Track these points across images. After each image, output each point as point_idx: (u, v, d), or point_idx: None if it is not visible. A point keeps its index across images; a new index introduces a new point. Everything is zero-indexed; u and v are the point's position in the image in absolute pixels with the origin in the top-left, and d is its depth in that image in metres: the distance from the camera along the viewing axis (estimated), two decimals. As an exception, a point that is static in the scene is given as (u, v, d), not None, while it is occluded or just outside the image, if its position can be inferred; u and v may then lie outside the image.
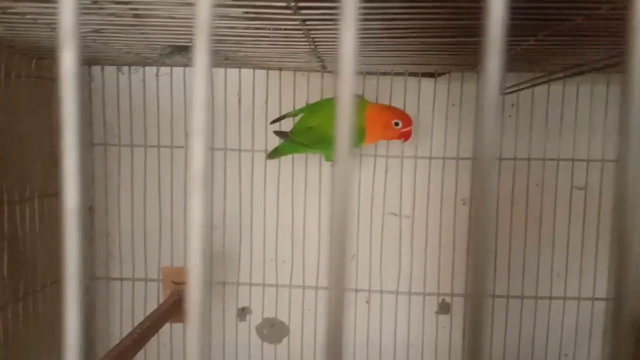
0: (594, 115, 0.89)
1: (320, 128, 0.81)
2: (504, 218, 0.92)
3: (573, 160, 0.90)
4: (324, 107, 0.84)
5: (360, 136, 0.80)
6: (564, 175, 0.90)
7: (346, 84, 0.17)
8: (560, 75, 0.51)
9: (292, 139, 0.84)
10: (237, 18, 0.50)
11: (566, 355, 0.93)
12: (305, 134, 0.82)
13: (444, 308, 0.97)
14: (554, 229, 0.91)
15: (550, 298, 0.92)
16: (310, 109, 0.86)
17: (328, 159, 0.87)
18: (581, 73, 0.47)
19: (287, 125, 0.88)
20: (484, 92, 0.17)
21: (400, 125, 0.79)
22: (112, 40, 0.63)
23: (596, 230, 0.90)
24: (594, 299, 0.91)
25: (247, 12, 0.48)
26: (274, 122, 0.88)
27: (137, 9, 0.48)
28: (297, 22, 0.50)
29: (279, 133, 0.86)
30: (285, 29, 0.54)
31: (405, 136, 0.81)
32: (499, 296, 0.92)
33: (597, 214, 0.89)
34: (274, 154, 0.89)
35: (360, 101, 0.81)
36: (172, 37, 0.60)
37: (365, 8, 0.45)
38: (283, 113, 0.89)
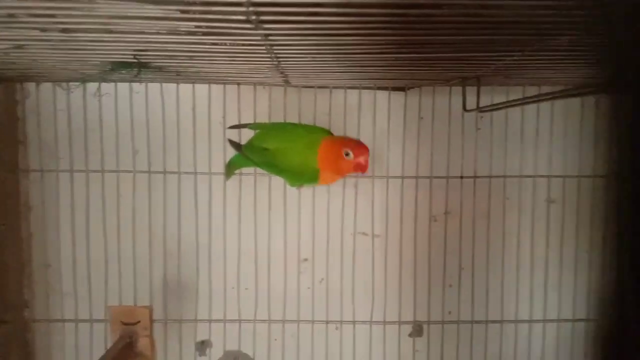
0: (569, 130, 0.86)
1: (275, 154, 0.74)
2: (481, 236, 0.87)
3: (549, 176, 0.86)
4: (285, 132, 0.76)
5: (312, 177, 0.73)
6: (540, 192, 0.87)
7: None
8: (548, 96, 0.47)
9: (244, 153, 0.77)
10: (189, 33, 0.42)
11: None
12: (258, 153, 0.76)
13: (418, 330, 0.91)
14: (531, 246, 0.87)
15: (530, 321, 0.88)
16: (271, 128, 0.78)
17: (291, 184, 0.80)
18: (573, 95, 0.43)
19: (247, 135, 0.80)
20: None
21: (351, 155, 0.71)
22: (40, 57, 0.54)
23: (575, 247, 0.86)
24: (574, 320, 0.88)
25: (199, 27, 0.40)
26: (233, 127, 0.81)
27: (64, 23, 0.39)
28: (258, 38, 0.43)
29: (233, 143, 0.79)
30: (245, 45, 0.47)
31: (361, 168, 0.73)
32: (478, 321, 0.88)
33: (575, 229, 0.86)
34: (229, 169, 0.82)
35: (314, 140, 0.74)
36: (111, 53, 0.51)
37: (342, 22, 0.38)
38: (241, 129, 0.82)
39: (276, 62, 0.55)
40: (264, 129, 0.78)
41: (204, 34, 0.42)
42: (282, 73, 0.64)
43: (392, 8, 0.33)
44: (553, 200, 0.88)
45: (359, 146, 0.72)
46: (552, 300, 0.88)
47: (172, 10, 0.35)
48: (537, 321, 0.88)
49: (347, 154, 0.71)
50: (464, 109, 0.75)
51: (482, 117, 0.86)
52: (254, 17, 0.37)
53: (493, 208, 0.87)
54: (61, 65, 0.60)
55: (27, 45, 0.48)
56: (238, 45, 0.47)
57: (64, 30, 0.42)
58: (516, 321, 0.88)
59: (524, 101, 0.57)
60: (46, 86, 0.83)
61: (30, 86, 0.84)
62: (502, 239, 0.88)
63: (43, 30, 0.43)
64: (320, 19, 0.38)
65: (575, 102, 0.84)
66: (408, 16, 0.35)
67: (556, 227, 0.87)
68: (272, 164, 0.75)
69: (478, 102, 0.68)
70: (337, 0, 0.34)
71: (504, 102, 0.59)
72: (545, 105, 0.85)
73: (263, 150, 0.74)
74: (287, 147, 0.74)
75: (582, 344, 0.89)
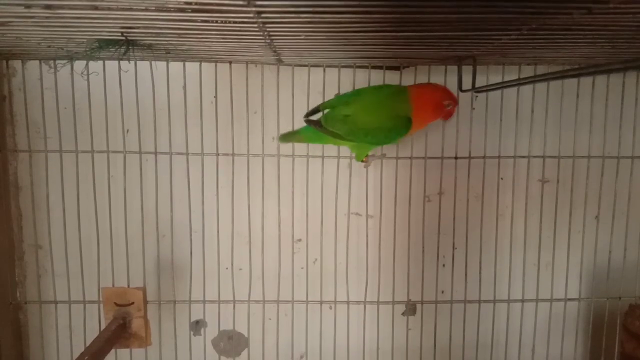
0: (565, 112, 0.85)
1: (358, 115, 0.73)
2: (474, 216, 0.87)
3: (544, 157, 0.86)
4: (360, 96, 0.75)
5: (406, 127, 0.73)
6: (534, 173, 0.87)
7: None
8: (556, 75, 0.46)
9: (325, 128, 0.75)
10: (178, 10, 0.41)
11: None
12: (340, 122, 0.74)
13: (411, 309, 0.92)
14: (525, 225, 0.88)
15: (523, 301, 0.89)
16: (343, 100, 0.76)
17: (358, 158, 0.79)
18: (581, 75, 0.42)
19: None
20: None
21: (451, 105, 0.74)
22: (25, 34, 0.52)
23: (568, 227, 0.87)
24: (566, 299, 0.89)
25: (189, 3, 0.39)
26: (308, 115, 0.79)
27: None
28: (251, 15, 0.42)
29: (310, 122, 0.77)
30: (237, 22, 0.45)
31: (450, 115, 0.76)
32: (471, 301, 0.89)
33: (569, 210, 0.86)
34: (289, 137, 0.80)
35: (399, 90, 0.73)
36: (97, 30, 0.50)
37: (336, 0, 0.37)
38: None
39: (269, 40, 0.54)
40: (335, 103, 0.76)
41: (194, 10, 0.41)
42: (274, 51, 0.63)
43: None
44: (547, 180, 0.88)
45: (454, 96, 0.74)
46: (545, 280, 0.89)
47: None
48: (530, 300, 0.89)
49: (448, 105, 0.73)
50: (460, 89, 0.74)
51: (477, 97, 0.86)
52: (245, -6, 0.36)
53: (487, 188, 0.87)
54: (46, 43, 0.58)
55: (11, 22, 0.47)
56: (229, 22, 0.45)
57: (47, 7, 0.40)
58: (509, 300, 0.89)
59: (519, 82, 0.56)
60: (33, 64, 0.81)
61: (16, 64, 0.82)
62: (496, 218, 0.88)
63: (27, 6, 0.41)
64: (315, -4, 0.36)
65: (572, 82, 0.83)
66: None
67: (550, 207, 0.87)
68: (356, 129, 0.73)
69: (474, 82, 0.67)
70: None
71: (500, 82, 0.58)
72: (540, 85, 0.84)
73: (344, 118, 0.73)
74: (371, 104, 0.73)
75: (573, 323, 0.90)
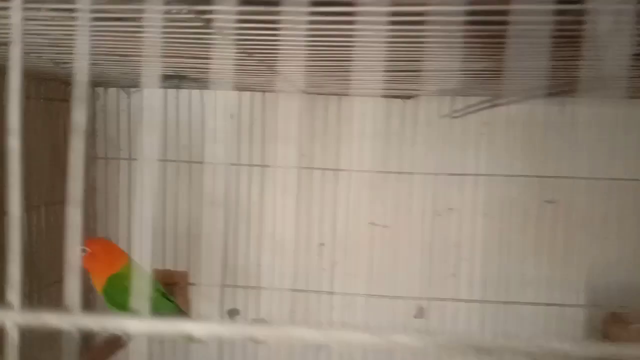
0: (564, 134, 0.92)
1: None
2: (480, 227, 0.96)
3: (542, 177, 0.94)
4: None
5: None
6: (535, 192, 0.94)
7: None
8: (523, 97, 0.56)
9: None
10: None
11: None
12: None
13: (421, 312, 1.00)
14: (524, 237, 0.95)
15: (532, 304, 0.96)
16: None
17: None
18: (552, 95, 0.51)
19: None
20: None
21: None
22: (107, 69, 0.71)
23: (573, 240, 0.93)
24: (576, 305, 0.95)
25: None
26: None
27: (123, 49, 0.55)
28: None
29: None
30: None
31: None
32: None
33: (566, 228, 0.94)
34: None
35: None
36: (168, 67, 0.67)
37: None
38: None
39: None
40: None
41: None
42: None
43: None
44: (552, 201, 0.95)
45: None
46: (552, 286, 0.95)
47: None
48: (540, 304, 0.96)
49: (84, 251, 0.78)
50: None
51: (487, 123, 0.94)
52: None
53: (494, 206, 0.96)
54: (122, 76, 0.77)
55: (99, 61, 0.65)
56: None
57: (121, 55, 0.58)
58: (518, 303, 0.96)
59: (493, 104, 0.67)
60: (112, 90, 1.02)
61: (100, 90, 1.03)
62: (501, 231, 0.96)
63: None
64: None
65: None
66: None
67: (556, 223, 0.94)
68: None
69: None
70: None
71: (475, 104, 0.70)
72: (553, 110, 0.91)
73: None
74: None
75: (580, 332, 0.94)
